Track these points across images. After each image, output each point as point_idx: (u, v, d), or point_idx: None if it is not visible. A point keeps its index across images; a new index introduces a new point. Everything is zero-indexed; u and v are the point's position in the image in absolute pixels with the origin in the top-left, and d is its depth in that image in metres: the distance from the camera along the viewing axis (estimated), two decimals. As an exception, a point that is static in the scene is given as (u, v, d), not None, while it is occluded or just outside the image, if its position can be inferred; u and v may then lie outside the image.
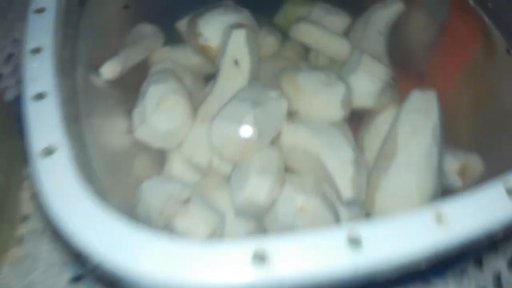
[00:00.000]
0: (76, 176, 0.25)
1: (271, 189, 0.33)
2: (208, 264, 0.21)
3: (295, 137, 0.37)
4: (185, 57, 0.45)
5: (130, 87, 0.41)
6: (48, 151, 0.27)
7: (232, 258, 0.22)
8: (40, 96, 0.30)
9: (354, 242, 0.22)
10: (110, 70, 0.41)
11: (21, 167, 0.46)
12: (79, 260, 0.23)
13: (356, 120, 0.42)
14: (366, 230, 0.23)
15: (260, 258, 0.22)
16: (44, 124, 0.28)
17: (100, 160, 0.33)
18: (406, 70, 0.46)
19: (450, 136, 0.39)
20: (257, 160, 0.35)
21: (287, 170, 0.38)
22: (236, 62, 0.40)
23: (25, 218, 0.45)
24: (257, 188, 0.33)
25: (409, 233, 0.23)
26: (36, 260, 0.42)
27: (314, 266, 0.21)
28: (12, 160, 0.44)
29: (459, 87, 0.46)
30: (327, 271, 0.21)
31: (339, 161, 0.35)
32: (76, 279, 0.41)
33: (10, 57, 0.59)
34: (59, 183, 0.25)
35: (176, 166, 0.38)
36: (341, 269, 0.22)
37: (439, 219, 0.23)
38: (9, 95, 0.54)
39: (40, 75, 0.31)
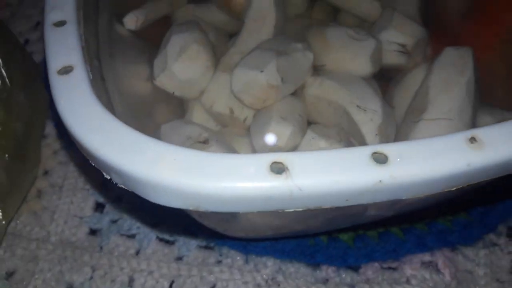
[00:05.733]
0: (91, 93, 0.25)
1: (292, 134, 0.32)
2: (225, 170, 0.20)
3: (320, 89, 0.36)
4: (209, 14, 0.44)
5: (154, 39, 0.40)
6: (66, 71, 0.26)
7: (250, 166, 0.20)
8: (60, 23, 0.29)
9: (380, 158, 0.21)
10: (133, 20, 0.41)
11: (43, 121, 0.46)
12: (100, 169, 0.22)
13: (386, 81, 0.40)
14: (393, 148, 0.21)
15: (278, 168, 0.20)
16: (64, 46, 0.28)
17: (119, 97, 0.33)
18: (441, 35, 0.44)
19: (487, 97, 0.37)
20: (279, 107, 0.34)
21: (310, 122, 0.36)
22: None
23: (45, 173, 0.45)
24: (278, 132, 0.32)
25: (439, 152, 0.21)
26: (55, 212, 0.42)
27: (333, 178, 0.20)
28: (34, 113, 0.44)
29: (498, 57, 0.43)
30: (348, 182, 0.20)
31: (366, 111, 0.34)
32: (94, 231, 0.40)
33: (37, 25, 0.60)
34: (74, 98, 0.24)
35: (197, 115, 0.37)
36: (364, 182, 0.20)
37: (472, 140, 0.21)
38: (36, 59, 0.54)
39: (61, 5, 0.30)
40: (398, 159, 0.20)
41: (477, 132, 0.22)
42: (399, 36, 0.39)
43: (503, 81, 0.41)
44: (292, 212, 0.21)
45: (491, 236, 0.37)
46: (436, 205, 0.33)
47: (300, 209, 0.21)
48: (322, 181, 0.20)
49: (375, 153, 0.21)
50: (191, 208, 0.20)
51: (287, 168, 0.20)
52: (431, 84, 0.35)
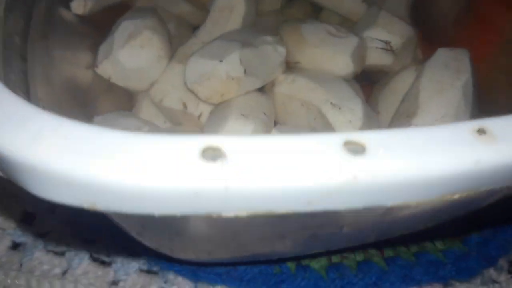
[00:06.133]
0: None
1: (253, 133, 0.26)
2: (136, 155, 0.14)
3: (292, 87, 0.31)
4: (172, 3, 0.39)
5: (105, 27, 0.35)
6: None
7: (172, 150, 0.14)
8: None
9: (355, 149, 0.15)
10: (81, 5, 0.35)
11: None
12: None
13: (370, 83, 0.35)
14: (373, 136, 0.15)
15: (213, 155, 0.14)
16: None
17: (45, 81, 0.27)
18: (432, 38, 0.39)
19: (485, 103, 0.32)
20: (241, 102, 0.28)
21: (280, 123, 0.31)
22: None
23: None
24: (236, 131, 0.26)
25: (437, 143, 0.15)
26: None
27: (288, 171, 0.14)
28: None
29: (493, 66, 0.39)
30: (310, 177, 0.14)
31: (344, 114, 0.28)
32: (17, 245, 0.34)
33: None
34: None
35: (145, 110, 0.32)
36: (332, 178, 0.14)
37: (481, 132, 0.16)
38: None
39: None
40: (380, 150, 0.15)
41: (486, 123, 0.16)
42: (384, 34, 0.34)
43: (503, 88, 0.36)
44: (237, 220, 0.15)
45: (491, 272, 0.32)
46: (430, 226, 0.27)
47: (244, 214, 0.15)
48: (272, 175, 0.14)
49: (348, 142, 0.15)
50: (85, 206, 0.14)
51: (224, 154, 0.14)
52: (421, 87, 0.30)
